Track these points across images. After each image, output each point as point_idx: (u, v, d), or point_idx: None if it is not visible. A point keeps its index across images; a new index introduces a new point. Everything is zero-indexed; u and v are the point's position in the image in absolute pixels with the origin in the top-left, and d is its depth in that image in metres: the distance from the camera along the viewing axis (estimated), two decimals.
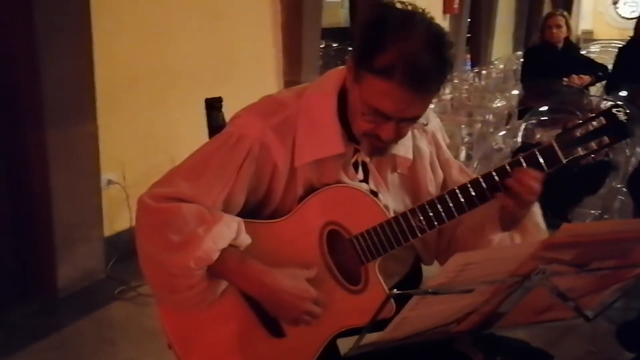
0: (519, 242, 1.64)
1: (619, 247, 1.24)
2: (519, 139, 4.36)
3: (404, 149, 1.73)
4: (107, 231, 4.11)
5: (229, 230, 1.59)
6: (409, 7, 1.53)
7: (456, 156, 5.07)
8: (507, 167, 1.57)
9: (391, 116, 1.52)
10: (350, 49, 1.60)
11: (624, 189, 4.07)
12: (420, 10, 1.52)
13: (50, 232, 3.69)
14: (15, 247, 3.71)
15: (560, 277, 1.24)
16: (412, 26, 1.47)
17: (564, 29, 6.03)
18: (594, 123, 1.54)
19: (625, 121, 1.53)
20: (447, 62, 1.51)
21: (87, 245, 3.91)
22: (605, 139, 1.53)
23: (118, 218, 4.20)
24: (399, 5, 1.53)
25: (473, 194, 1.58)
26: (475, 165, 4.23)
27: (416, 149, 1.77)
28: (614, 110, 1.54)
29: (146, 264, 1.65)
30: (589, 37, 17.29)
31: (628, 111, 1.55)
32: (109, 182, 4.15)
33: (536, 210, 1.68)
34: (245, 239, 1.62)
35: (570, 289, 1.31)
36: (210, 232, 1.56)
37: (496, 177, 1.57)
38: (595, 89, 6.78)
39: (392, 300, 1.41)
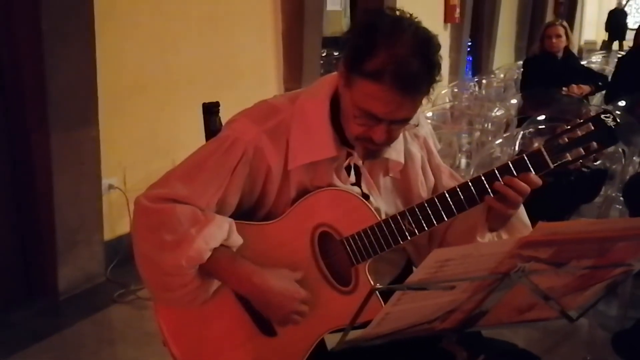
0: (498, 240, 1.67)
1: (596, 247, 1.26)
2: (517, 147, 4.38)
3: (395, 153, 1.77)
4: (108, 235, 4.14)
5: (221, 231, 1.63)
6: (398, 13, 1.57)
7: (454, 164, 5.11)
8: (496, 172, 1.60)
9: (382, 118, 1.56)
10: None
11: (620, 198, 4.10)
12: (408, 16, 1.57)
13: (52, 235, 3.73)
14: (17, 250, 3.74)
15: (539, 276, 1.27)
16: (401, 30, 1.52)
17: (564, 38, 6.05)
18: (583, 129, 1.56)
19: (613, 127, 1.54)
20: (435, 65, 1.55)
21: (88, 249, 3.95)
22: (594, 145, 1.55)
23: (118, 222, 4.24)
24: (388, 12, 1.58)
25: (462, 197, 1.61)
26: (472, 172, 4.26)
27: (408, 153, 1.81)
28: (602, 116, 1.56)
29: (141, 263, 1.69)
30: (592, 48, 17.30)
31: (617, 118, 1.57)
32: (110, 186, 4.18)
33: (520, 208, 1.71)
34: (237, 240, 1.66)
35: (550, 288, 1.34)
36: (202, 232, 1.60)
37: (485, 182, 1.61)
38: (595, 99, 6.80)
39: (379, 298, 1.45)
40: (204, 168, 1.68)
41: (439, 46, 1.57)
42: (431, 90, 1.60)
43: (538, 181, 1.58)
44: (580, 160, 1.58)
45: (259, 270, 1.66)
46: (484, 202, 1.62)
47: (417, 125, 1.77)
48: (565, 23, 6.30)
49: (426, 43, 1.54)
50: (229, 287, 1.70)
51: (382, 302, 1.45)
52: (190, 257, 1.60)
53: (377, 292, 1.46)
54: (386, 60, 1.50)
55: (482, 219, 1.69)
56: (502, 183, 1.58)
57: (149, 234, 1.65)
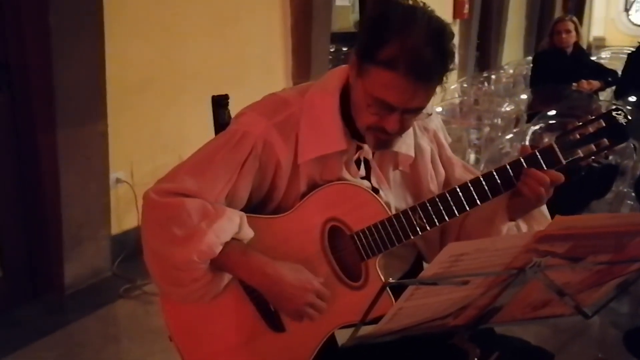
0: (520, 233, 1.66)
1: (613, 242, 1.24)
2: (527, 143, 4.36)
3: (405, 146, 1.75)
4: (115, 229, 4.15)
5: (232, 224, 1.61)
6: (411, 2, 1.56)
7: (464, 159, 5.08)
8: (508, 167, 1.59)
9: (396, 107, 1.54)
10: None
11: (632, 193, 4.08)
12: (421, 5, 1.55)
13: (58, 230, 3.73)
14: (24, 245, 3.74)
15: (555, 271, 1.25)
16: (414, 19, 1.50)
17: (573, 34, 6.03)
18: (594, 125, 1.56)
19: (624, 124, 1.55)
20: (449, 53, 1.53)
21: (94, 244, 3.95)
22: (605, 141, 1.56)
23: (126, 217, 4.24)
24: (400, 1, 1.56)
25: (474, 192, 1.59)
26: (482, 168, 4.25)
27: (417, 147, 1.80)
28: (613, 113, 1.56)
29: (151, 258, 1.67)
30: (600, 44, 17.21)
31: (628, 114, 1.56)
32: (118, 180, 4.19)
33: (544, 208, 1.70)
34: (248, 233, 1.65)
35: (566, 284, 1.32)
36: (213, 226, 1.58)
37: (497, 177, 1.59)
38: (605, 94, 6.77)
39: (390, 294, 1.43)
40: (213, 162, 1.66)
41: (452, 35, 1.55)
42: (444, 79, 1.58)
43: (560, 177, 1.57)
44: (592, 157, 1.56)
45: (272, 262, 1.64)
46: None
47: (431, 114, 1.75)
48: (574, 18, 6.27)
49: (440, 31, 1.52)
50: (241, 279, 1.69)
51: (393, 298, 1.43)
52: (202, 251, 1.58)
53: (388, 287, 1.44)
54: (400, 48, 1.48)
55: (503, 205, 1.67)
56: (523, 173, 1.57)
57: (159, 229, 1.64)
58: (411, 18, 1.51)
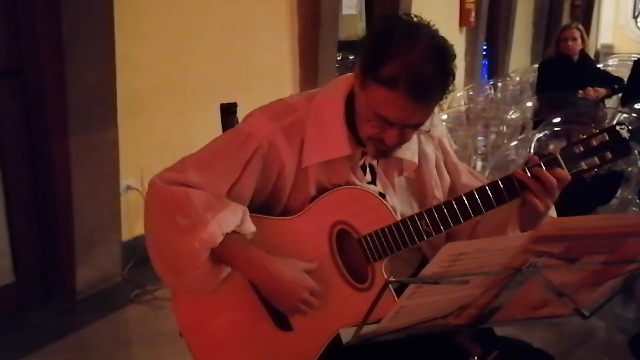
0: (511, 235, 1.69)
1: (607, 242, 1.27)
2: (532, 150, 4.38)
3: (410, 153, 1.79)
4: (125, 235, 4.18)
5: (235, 217, 1.65)
6: (415, 19, 1.58)
7: (470, 166, 5.09)
8: (512, 177, 1.63)
9: (395, 123, 1.59)
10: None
11: (637, 200, 4.10)
12: (426, 23, 1.58)
13: (70, 236, 3.77)
14: (36, 249, 3.78)
15: (551, 271, 1.28)
16: (417, 38, 1.53)
17: (579, 41, 6.04)
18: (598, 139, 1.60)
19: (627, 138, 1.59)
20: (450, 73, 1.56)
21: (105, 249, 3.99)
22: (608, 155, 1.60)
23: (136, 223, 4.26)
24: (405, 18, 1.59)
25: (479, 200, 1.63)
26: (487, 174, 4.27)
27: (422, 153, 1.83)
28: (617, 127, 1.61)
29: (153, 246, 1.72)
30: (609, 51, 17.14)
31: (631, 128, 1.61)
32: (128, 187, 4.23)
33: (553, 213, 1.72)
34: (250, 227, 1.68)
35: (563, 284, 1.35)
36: (217, 216, 1.62)
37: (501, 186, 1.63)
38: (611, 102, 6.78)
39: (393, 294, 1.47)
40: (218, 158, 1.71)
41: (454, 55, 1.58)
42: (445, 98, 1.62)
43: (567, 176, 1.60)
44: (595, 169, 1.61)
45: (271, 258, 1.69)
46: (515, 201, 1.64)
47: (429, 131, 1.78)
48: (580, 26, 6.28)
49: (442, 51, 1.55)
50: (240, 273, 1.72)
51: (396, 299, 1.46)
52: (204, 240, 1.62)
53: (391, 289, 1.48)
54: (401, 67, 1.51)
55: (515, 215, 1.70)
56: (529, 175, 1.60)
57: (162, 217, 1.69)
58: (414, 37, 1.53)
